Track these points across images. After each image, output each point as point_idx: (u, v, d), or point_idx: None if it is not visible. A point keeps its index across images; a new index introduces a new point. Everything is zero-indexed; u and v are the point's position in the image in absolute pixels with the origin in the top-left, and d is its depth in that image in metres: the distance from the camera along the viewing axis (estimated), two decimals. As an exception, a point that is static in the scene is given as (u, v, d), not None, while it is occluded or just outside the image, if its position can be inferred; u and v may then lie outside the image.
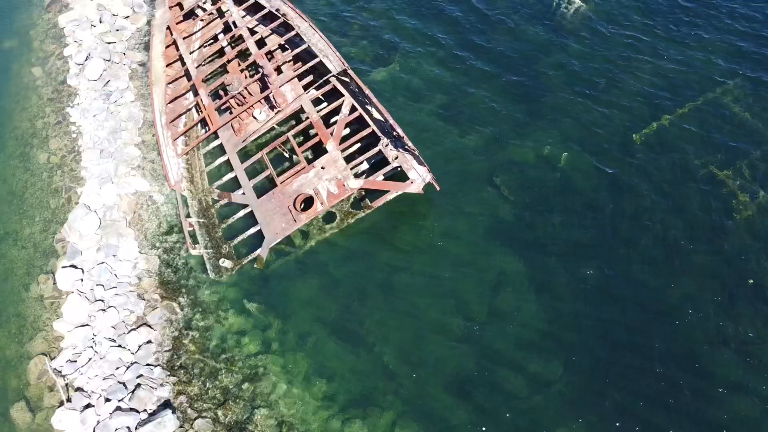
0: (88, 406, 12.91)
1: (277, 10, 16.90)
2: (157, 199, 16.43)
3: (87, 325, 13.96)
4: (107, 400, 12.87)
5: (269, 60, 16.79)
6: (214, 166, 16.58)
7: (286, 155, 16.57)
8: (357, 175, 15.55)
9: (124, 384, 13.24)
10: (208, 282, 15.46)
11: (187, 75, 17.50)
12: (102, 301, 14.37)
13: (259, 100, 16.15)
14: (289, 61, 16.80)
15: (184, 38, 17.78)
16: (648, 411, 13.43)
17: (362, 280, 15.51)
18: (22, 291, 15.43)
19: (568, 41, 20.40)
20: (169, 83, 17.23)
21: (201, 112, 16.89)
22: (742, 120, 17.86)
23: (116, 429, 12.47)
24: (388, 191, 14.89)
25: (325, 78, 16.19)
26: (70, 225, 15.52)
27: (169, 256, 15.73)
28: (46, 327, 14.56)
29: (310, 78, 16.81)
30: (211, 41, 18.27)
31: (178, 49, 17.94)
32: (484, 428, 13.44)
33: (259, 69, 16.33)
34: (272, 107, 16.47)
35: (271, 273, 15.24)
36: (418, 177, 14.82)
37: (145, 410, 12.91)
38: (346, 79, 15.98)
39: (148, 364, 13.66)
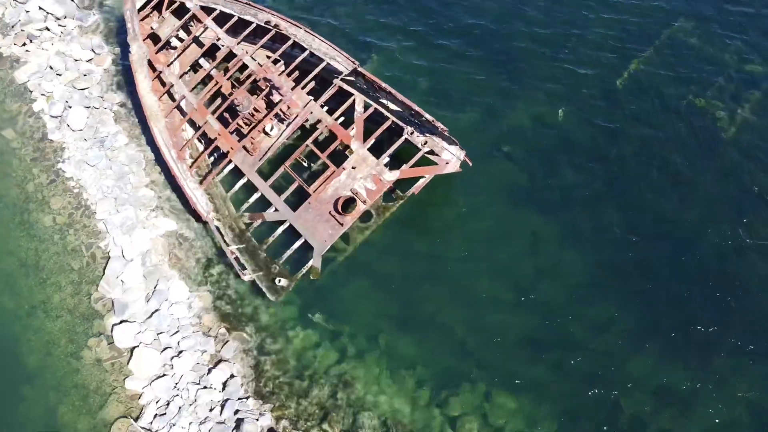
0: (195, 454, 12.57)
1: (267, 22, 16.74)
2: (188, 235, 16.00)
3: (164, 375, 13.48)
4: (215, 442, 12.60)
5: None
6: (234, 191, 16.31)
7: (305, 164, 16.58)
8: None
9: (224, 422, 12.96)
10: (264, 305, 15.33)
11: (181, 105, 17.04)
12: (170, 347, 13.91)
13: (269, 116, 16.03)
14: (292, 71, 16.70)
15: (168, 68, 17.26)
16: (702, 329, 14.77)
17: (409, 271, 15.89)
18: (72, 361, 14.61)
19: (526, 9, 21.50)
20: (166, 116, 16.72)
21: (207, 138, 16.51)
22: (699, 51, 19.69)
23: (235, 467, 12.27)
24: (423, 176, 15.31)
25: (335, 84, 16.29)
26: (108, 280, 14.83)
27: (219, 289, 15.43)
28: (116, 389, 13.92)
29: (312, 84, 16.83)
30: (197, 66, 17.83)
31: (164, 82, 17.40)
32: (563, 379, 14.28)
33: (265, 84, 16.19)
34: (281, 120, 16.40)
35: (321, 282, 15.26)
36: (452, 156, 15.35)
37: (255, 442, 12.76)
38: (352, 78, 16.17)
39: (240, 398, 13.42)
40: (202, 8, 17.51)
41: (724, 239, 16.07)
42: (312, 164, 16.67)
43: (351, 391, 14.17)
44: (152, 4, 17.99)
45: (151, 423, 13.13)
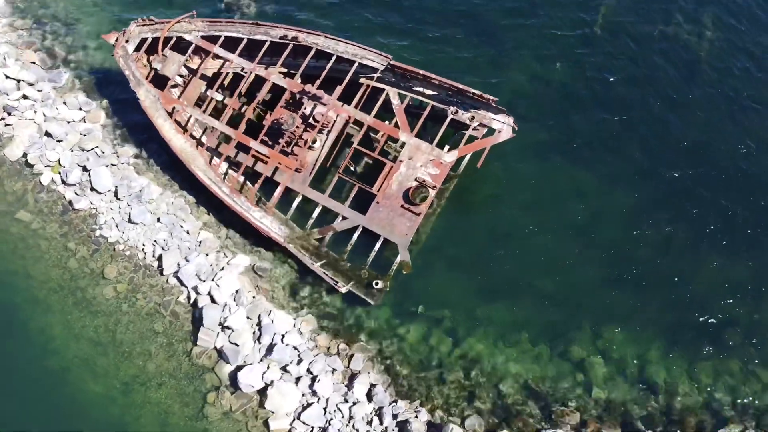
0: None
1: (283, 37, 16.46)
2: (264, 266, 15.62)
3: (311, 403, 13.24)
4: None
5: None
6: (292, 211, 16.08)
7: (352, 168, 16.65)
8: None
9: (387, 429, 12.98)
10: (363, 312, 15.40)
11: (211, 138, 16.51)
12: (302, 376, 13.66)
13: (316, 129, 15.92)
14: (320, 79, 16.52)
15: (185, 105, 16.62)
16: (748, 230, 16.54)
17: (476, 246, 16.50)
18: (196, 423, 13.94)
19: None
20: (203, 153, 16.17)
21: (244, 164, 16.07)
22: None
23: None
24: (484, 148, 15.90)
25: (364, 83, 16.41)
26: (206, 331, 14.23)
27: (317, 308, 15.28)
28: (258, 434, 13.47)
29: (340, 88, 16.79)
30: (213, 97, 17.24)
31: (184, 119, 16.76)
32: (647, 297, 15.53)
33: (299, 98, 16.03)
34: (320, 130, 16.33)
35: (403, 276, 15.40)
36: (503, 124, 16.05)
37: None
38: (378, 74, 16.38)
39: (390, 403, 13.47)
40: (205, 38, 16.94)
41: (733, 146, 18.04)
42: (357, 167, 16.75)
43: (480, 366, 14.61)
44: (145, 46, 17.12)
45: (315, 453, 12.86)
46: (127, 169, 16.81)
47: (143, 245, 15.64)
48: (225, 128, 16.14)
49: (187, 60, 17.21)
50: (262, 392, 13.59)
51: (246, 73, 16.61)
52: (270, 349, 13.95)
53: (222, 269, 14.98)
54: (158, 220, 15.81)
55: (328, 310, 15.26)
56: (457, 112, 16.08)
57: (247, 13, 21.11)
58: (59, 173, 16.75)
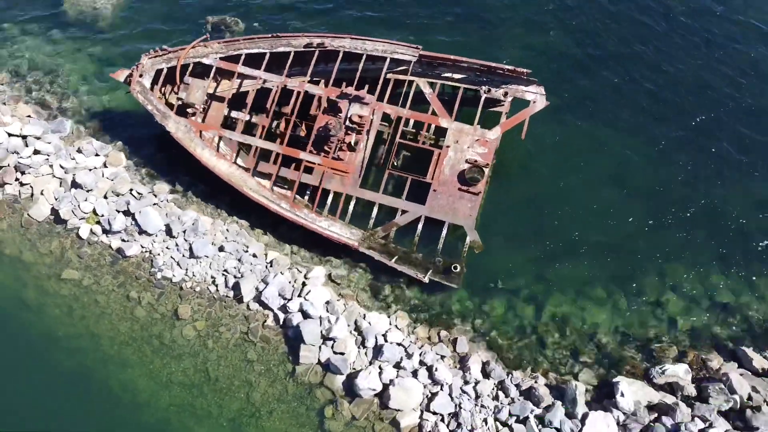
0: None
1: (308, 45, 16.36)
2: (340, 273, 15.61)
3: (435, 394, 13.43)
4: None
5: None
6: (350, 215, 16.11)
7: (396, 163, 16.84)
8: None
9: (514, 400, 13.39)
10: (446, 297, 15.70)
11: (249, 158, 16.26)
12: (417, 369, 13.81)
13: (354, 131, 15.98)
14: (343, 82, 16.53)
15: (219, 129, 16.27)
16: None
17: (526, 213, 17.15)
18: (318, 439, 13.78)
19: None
20: (262, 175, 15.97)
21: (298, 179, 15.93)
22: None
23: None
24: (523, 120, 16.48)
25: (391, 78, 16.60)
26: (308, 347, 14.07)
27: (403, 303, 15.44)
28: (389, 436, 13.51)
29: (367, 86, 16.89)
30: (238, 116, 16.94)
31: (216, 145, 16.42)
32: (695, 235, 16.62)
33: (339, 102, 16.02)
34: (358, 132, 16.40)
35: (468, 257, 15.77)
36: (535, 95, 16.69)
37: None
38: (404, 67, 16.64)
39: (508, 374, 13.90)
40: (225, 59, 16.58)
41: (727, 78, 19.56)
42: (398, 161, 16.94)
43: (570, 324, 15.22)
44: (161, 79, 16.57)
45: (453, 436, 13.06)
46: (169, 206, 16.23)
47: (212, 278, 15.19)
48: (267, 144, 15.93)
49: (220, 79, 16.86)
50: (381, 394, 13.58)
51: (275, 87, 16.37)
52: (378, 350, 13.96)
53: (303, 284, 14.78)
54: (221, 249, 15.38)
55: (414, 303, 15.41)
56: (489, 90, 16.55)
57: (237, 30, 20.77)
58: (98, 223, 15.92)
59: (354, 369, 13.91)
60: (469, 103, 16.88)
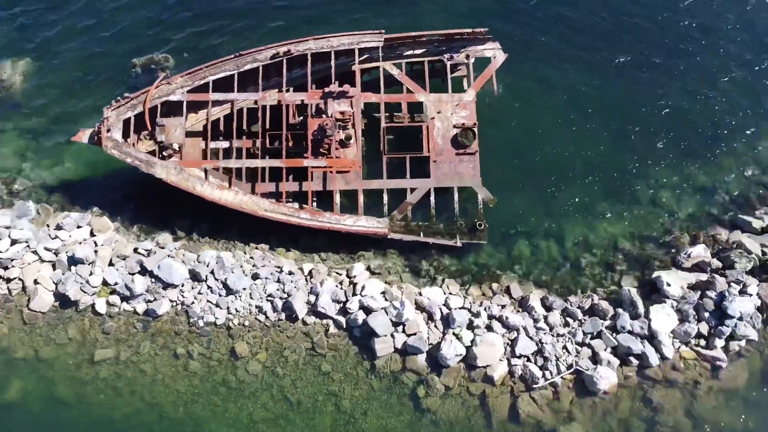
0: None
1: (275, 56, 16.22)
2: (378, 263, 15.88)
3: (514, 339, 14.18)
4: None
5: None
6: (362, 207, 16.33)
7: (384, 147, 17.21)
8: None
9: (582, 321, 14.47)
10: (476, 256, 16.44)
11: (243, 184, 16.06)
12: (489, 324, 14.48)
13: (343, 127, 16.21)
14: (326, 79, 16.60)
15: (212, 162, 15.85)
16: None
17: (517, 159, 18.03)
18: (418, 421, 14.12)
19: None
20: (263, 194, 15.71)
21: (310, 188, 15.91)
22: None
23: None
24: (491, 76, 17.45)
25: (355, 68, 16.89)
26: (382, 339, 14.25)
27: (445, 272, 16.00)
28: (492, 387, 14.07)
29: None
30: (217, 145, 16.57)
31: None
32: (668, 142, 18.48)
33: (322, 102, 16.10)
34: (346, 127, 16.65)
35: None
36: (493, 50, 17.71)
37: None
38: (366, 55, 17.06)
39: (569, 302, 14.93)
40: (193, 91, 16.09)
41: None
42: (386, 144, 17.34)
43: (592, 242, 16.52)
44: (131, 127, 15.79)
45: (543, 374, 13.87)
46: (180, 253, 15.56)
47: (257, 307, 14.85)
48: (271, 162, 15.75)
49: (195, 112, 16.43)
50: (466, 357, 14.07)
51: (257, 104, 16.17)
52: (446, 319, 14.41)
53: (352, 284, 14.88)
54: (256, 277, 15.04)
55: (453, 269, 16.00)
56: (452, 57, 17.39)
57: (168, 66, 19.96)
58: (113, 293, 14.95)
59: (431, 344, 14.24)
60: (433, 75, 17.55)
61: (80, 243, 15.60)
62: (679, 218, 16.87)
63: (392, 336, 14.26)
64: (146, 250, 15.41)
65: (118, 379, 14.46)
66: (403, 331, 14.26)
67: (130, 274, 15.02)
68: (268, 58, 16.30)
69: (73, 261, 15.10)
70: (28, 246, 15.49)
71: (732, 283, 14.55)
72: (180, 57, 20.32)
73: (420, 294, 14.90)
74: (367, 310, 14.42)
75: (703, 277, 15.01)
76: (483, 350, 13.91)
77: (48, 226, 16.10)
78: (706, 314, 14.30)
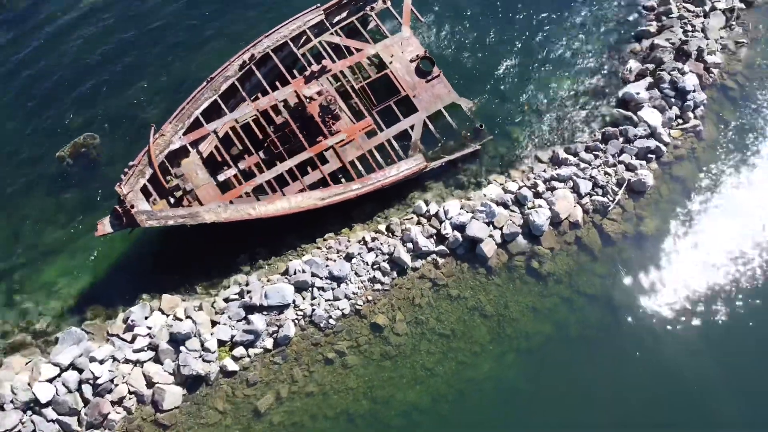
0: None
1: (242, 66, 16.26)
2: (430, 195, 17.24)
3: (576, 183, 16.72)
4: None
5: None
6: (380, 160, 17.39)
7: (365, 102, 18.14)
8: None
9: (606, 150, 17.52)
10: (487, 155, 18.40)
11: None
12: (552, 188, 16.84)
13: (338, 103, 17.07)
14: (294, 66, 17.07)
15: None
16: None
17: (461, 60, 20.01)
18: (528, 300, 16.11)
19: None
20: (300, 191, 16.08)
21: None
22: None
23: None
24: (410, 9, 19.18)
25: (303, 49, 17.65)
26: (486, 241, 15.88)
27: (481, 176, 17.85)
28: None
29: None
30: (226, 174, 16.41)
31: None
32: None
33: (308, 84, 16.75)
34: (331, 103, 17.35)
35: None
36: (406, -8, 19.48)
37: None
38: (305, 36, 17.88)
39: (576, 146, 17.84)
40: (188, 131, 15.67)
41: None
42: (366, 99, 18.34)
43: (561, 96, 19.30)
44: (152, 191, 15.08)
45: (607, 199, 16.67)
46: (265, 280, 15.43)
47: (370, 279, 15.50)
48: (300, 157, 16.10)
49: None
50: (552, 219, 16.27)
51: (256, 115, 16.29)
52: (517, 200, 16.46)
53: (431, 218, 16.18)
54: (349, 258, 15.60)
55: (483, 170, 17.92)
56: (373, 8, 18.92)
57: (96, 144, 18.46)
58: (232, 348, 14.52)
59: (520, 225, 16.19)
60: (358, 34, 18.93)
61: (168, 327, 14.61)
62: (599, 48, 20.40)
63: (490, 236, 15.89)
64: (238, 294, 15.01)
65: (293, 414, 14.27)
66: (494, 226, 15.96)
67: (240, 320, 14.59)
68: (238, 71, 16.33)
69: (178, 341, 14.22)
70: (115, 361, 14.16)
71: (671, 72, 18.53)
72: (102, 129, 18.97)
73: (484, 196, 16.65)
74: (461, 227, 15.84)
75: (649, 79, 18.84)
76: (560, 205, 16.22)
77: (110, 336, 14.73)
78: (672, 100, 18.13)
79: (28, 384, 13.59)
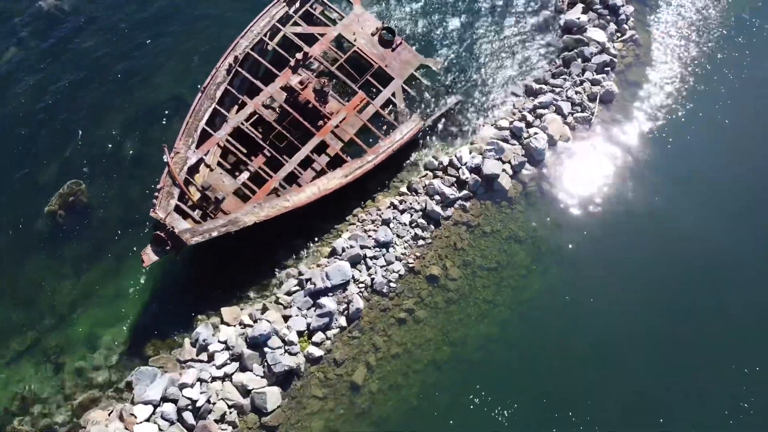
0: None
1: (229, 69, 16.29)
2: (430, 153, 18.23)
3: (558, 101, 18.41)
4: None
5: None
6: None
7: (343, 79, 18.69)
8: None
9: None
10: (468, 98, 19.79)
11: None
12: (549, 106, 18.39)
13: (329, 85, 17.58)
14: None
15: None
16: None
17: (419, 20, 21.44)
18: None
19: None
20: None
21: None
22: None
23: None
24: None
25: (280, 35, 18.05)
26: (503, 176, 17.16)
27: (478, 121, 19.10)
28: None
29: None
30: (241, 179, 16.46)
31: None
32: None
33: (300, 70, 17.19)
34: (324, 92, 17.69)
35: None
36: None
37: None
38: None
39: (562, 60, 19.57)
40: (200, 144, 15.63)
41: None
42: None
43: (506, 44, 21.11)
44: (185, 204, 14.96)
45: (587, 113, 18.52)
46: (314, 267, 15.80)
47: (412, 237, 16.31)
48: (311, 144, 16.46)
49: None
50: (549, 143, 17.88)
51: (256, 113, 16.47)
52: (515, 135, 17.88)
53: (446, 167, 17.21)
54: (386, 223, 16.35)
55: (470, 116, 19.20)
56: (322, -10, 19.55)
57: (82, 190, 17.60)
58: (312, 333, 14.85)
59: (522, 155, 17.62)
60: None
61: (241, 333, 14.63)
62: (526, -8, 22.26)
63: (503, 171, 17.19)
64: (298, 285, 15.32)
65: (386, 378, 14.86)
66: (503, 162, 17.29)
67: (309, 308, 14.89)
68: (227, 74, 16.39)
69: (259, 344, 14.31)
70: (201, 381, 14.00)
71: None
72: (81, 173, 18.16)
73: (483, 138, 17.92)
74: (476, 169, 17.02)
75: (581, 5, 20.90)
76: (552, 128, 17.87)
77: (182, 362, 14.53)
78: (608, 17, 20.31)
79: (126, 429, 13.15)
